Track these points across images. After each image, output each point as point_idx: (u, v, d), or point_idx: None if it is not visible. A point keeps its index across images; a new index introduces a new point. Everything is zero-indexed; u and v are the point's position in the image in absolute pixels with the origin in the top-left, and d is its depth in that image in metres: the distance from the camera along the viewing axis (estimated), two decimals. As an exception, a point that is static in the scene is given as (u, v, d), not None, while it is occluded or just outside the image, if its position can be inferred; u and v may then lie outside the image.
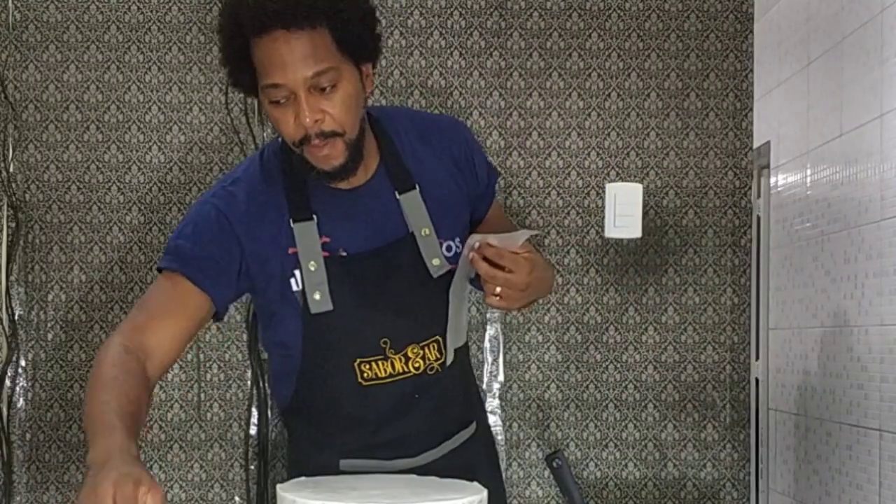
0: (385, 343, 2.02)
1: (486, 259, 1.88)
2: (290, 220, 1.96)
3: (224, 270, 1.95)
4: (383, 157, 2.03)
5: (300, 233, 1.96)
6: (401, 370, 2.05)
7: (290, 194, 1.98)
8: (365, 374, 2.03)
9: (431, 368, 2.08)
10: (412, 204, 2.02)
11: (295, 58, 1.83)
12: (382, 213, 2.00)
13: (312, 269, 1.95)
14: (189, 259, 1.94)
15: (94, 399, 1.77)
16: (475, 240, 1.92)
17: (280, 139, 1.99)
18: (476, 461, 2.16)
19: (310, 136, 1.86)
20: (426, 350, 2.06)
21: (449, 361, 2.06)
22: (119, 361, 1.82)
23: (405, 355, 2.05)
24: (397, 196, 2.02)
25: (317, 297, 1.96)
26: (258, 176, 2.00)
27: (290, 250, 1.96)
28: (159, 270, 1.98)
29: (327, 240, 1.98)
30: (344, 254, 1.98)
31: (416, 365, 2.06)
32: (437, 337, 2.05)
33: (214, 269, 1.94)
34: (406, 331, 2.02)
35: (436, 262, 2.01)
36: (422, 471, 2.03)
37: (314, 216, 1.97)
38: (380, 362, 2.03)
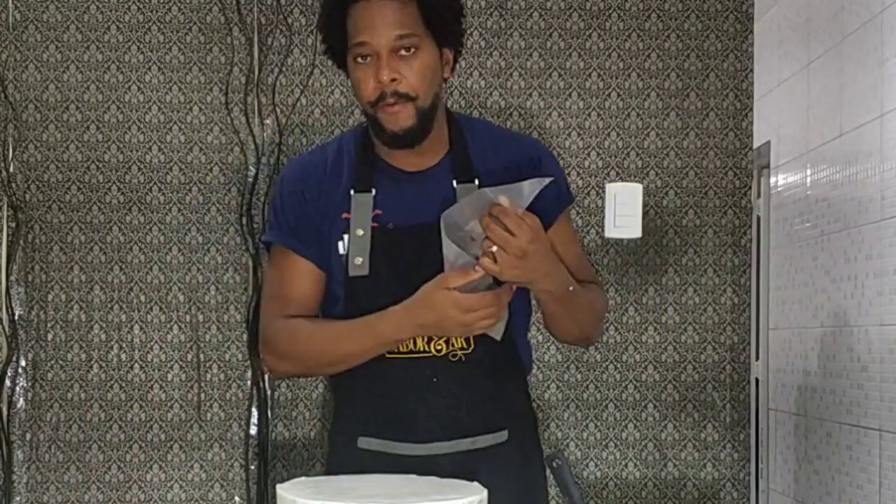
0: None
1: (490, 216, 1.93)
2: (352, 190, 2.12)
3: (306, 228, 2.15)
4: (452, 148, 2.16)
5: (357, 201, 2.11)
6: (422, 348, 2.10)
7: (357, 168, 2.15)
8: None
9: (454, 355, 2.11)
10: (467, 194, 2.09)
11: (384, 21, 2.03)
12: (437, 198, 2.09)
13: (359, 234, 2.10)
14: (282, 229, 2.17)
15: (326, 335, 2.11)
16: (485, 196, 1.95)
17: (359, 127, 2.20)
18: (498, 474, 2.13)
19: (385, 94, 2.02)
20: None
21: (499, 334, 2.07)
22: (296, 320, 2.13)
23: (428, 336, 2.09)
24: (455, 185, 2.11)
25: (357, 261, 2.09)
26: (334, 150, 2.20)
27: (344, 215, 2.11)
28: (266, 246, 2.21)
29: (379, 212, 2.11)
30: (391, 226, 2.09)
31: (438, 347, 2.11)
32: None
33: (302, 230, 2.15)
34: None
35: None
36: (432, 464, 2.05)
37: (373, 189, 2.12)
38: None
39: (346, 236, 2.12)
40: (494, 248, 1.94)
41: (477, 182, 2.12)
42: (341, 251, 2.12)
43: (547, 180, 1.98)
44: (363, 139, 2.19)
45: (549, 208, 2.18)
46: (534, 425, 2.31)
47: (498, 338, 2.10)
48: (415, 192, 2.12)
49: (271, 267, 2.23)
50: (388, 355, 2.09)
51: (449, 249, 2.03)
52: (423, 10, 2.06)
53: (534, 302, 2.15)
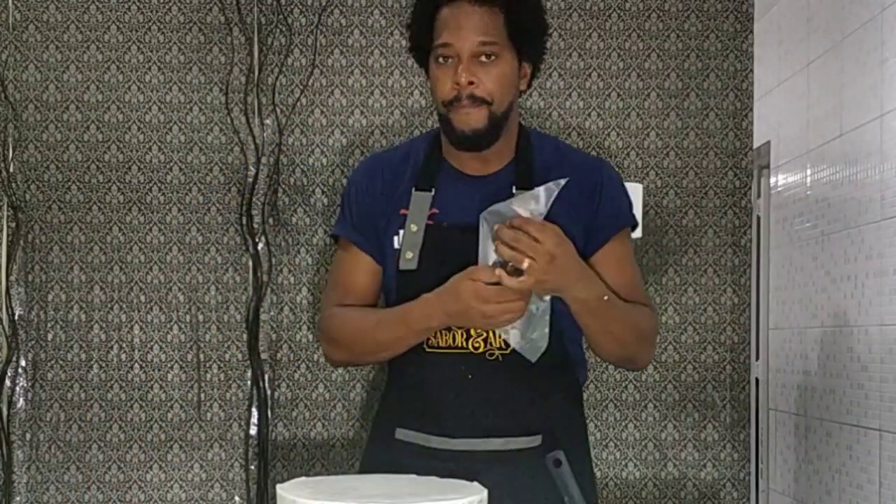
0: None
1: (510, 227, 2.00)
2: (414, 188, 2.22)
3: (369, 224, 2.27)
4: (517, 156, 2.24)
5: (416, 199, 2.21)
6: (460, 344, 2.16)
7: (423, 168, 2.24)
8: (429, 341, 2.17)
9: (491, 354, 2.16)
10: None
11: (469, 25, 2.12)
12: (494, 201, 2.13)
13: (413, 230, 2.19)
14: (346, 223, 2.30)
15: (370, 321, 2.21)
16: (506, 209, 2.00)
17: (432, 131, 2.32)
18: (531, 478, 2.14)
19: (461, 96, 2.11)
20: (490, 334, 2.15)
21: (531, 354, 2.11)
22: (347, 308, 2.26)
23: (468, 332, 2.16)
24: (514, 190, 2.17)
25: (408, 255, 2.18)
26: (405, 150, 2.33)
27: (402, 211, 2.22)
28: (333, 238, 2.38)
29: (436, 211, 2.21)
30: (445, 224, 2.19)
31: (476, 345, 2.16)
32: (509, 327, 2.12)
33: (364, 225, 2.27)
34: None
35: None
36: (464, 460, 2.08)
37: (433, 188, 2.21)
38: (444, 332, 2.16)
39: (401, 231, 2.21)
40: (525, 264, 1.96)
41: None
42: (396, 245, 2.21)
43: (563, 181, 2.02)
44: (433, 142, 2.28)
45: (605, 226, 2.24)
46: (581, 437, 2.32)
47: (531, 357, 2.11)
48: (474, 194, 2.18)
49: (335, 258, 2.38)
50: (427, 349, 2.17)
51: (485, 249, 2.07)
52: (508, 22, 2.14)
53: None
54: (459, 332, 2.15)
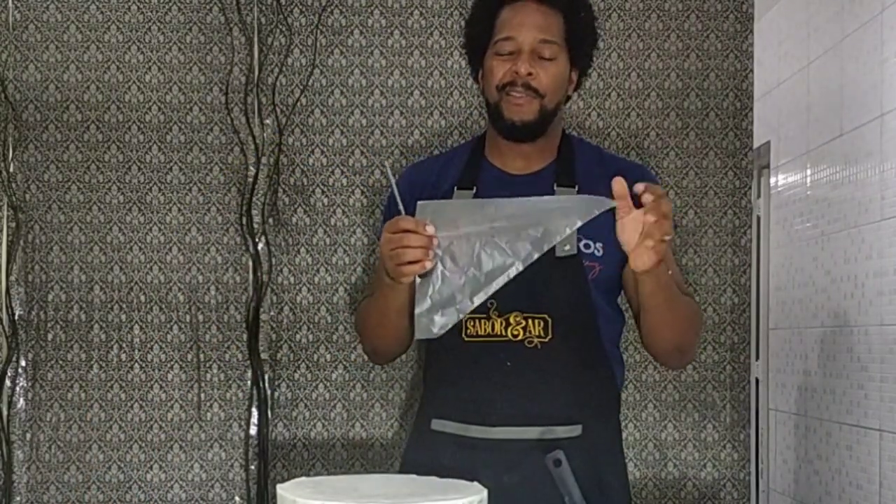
0: (491, 304, 2.16)
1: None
2: (455, 187, 2.28)
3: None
4: (559, 157, 2.30)
5: (457, 196, 2.27)
6: (499, 332, 2.19)
7: (466, 169, 2.31)
8: (468, 330, 2.20)
9: (530, 342, 2.19)
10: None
11: (533, 22, 2.21)
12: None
13: None
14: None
15: (368, 300, 2.31)
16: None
17: (476, 136, 2.39)
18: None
19: (516, 82, 2.19)
20: (529, 322, 2.19)
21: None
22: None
23: (507, 320, 2.19)
24: (555, 188, 2.24)
25: None
26: (450, 153, 2.43)
27: None
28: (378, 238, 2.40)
29: None
30: None
31: (515, 332, 2.19)
32: (545, 315, 2.17)
33: None
34: (514, 297, 2.14)
35: (566, 247, 2.14)
36: (503, 449, 2.12)
37: (475, 187, 2.27)
38: (482, 321, 2.19)
39: None
40: (661, 233, 1.98)
41: (577, 189, 2.23)
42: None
43: (611, 204, 2.03)
44: (475, 145, 2.36)
45: None
46: (616, 436, 2.34)
47: (417, 334, 2.08)
48: (515, 191, 2.20)
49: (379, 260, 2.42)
50: (466, 338, 2.18)
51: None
52: (567, 25, 2.24)
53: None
54: (499, 320, 2.18)
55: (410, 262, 2.03)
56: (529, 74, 2.19)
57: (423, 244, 2.03)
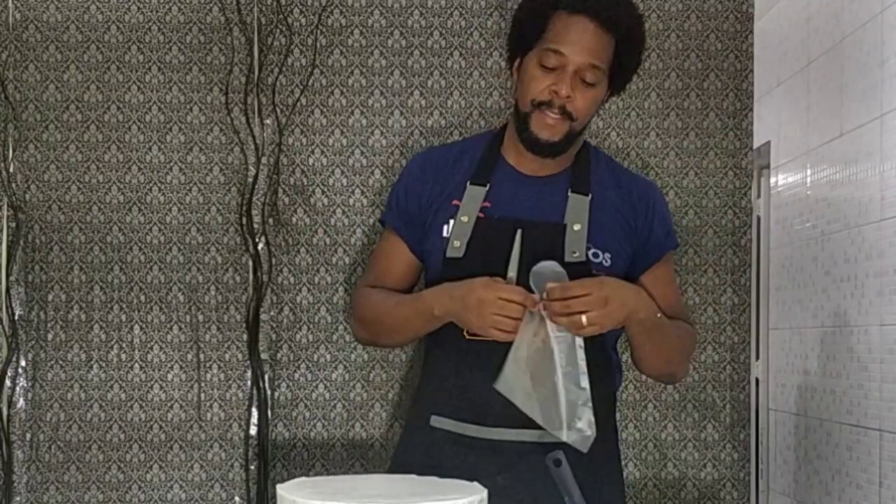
0: None
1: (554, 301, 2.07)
2: (469, 182, 2.28)
3: (415, 214, 2.34)
4: (575, 163, 2.31)
5: (470, 192, 2.27)
6: None
7: (481, 164, 2.31)
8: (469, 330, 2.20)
9: None
10: (578, 203, 2.24)
11: (586, 42, 2.17)
12: (548, 199, 2.24)
13: (464, 220, 2.25)
14: (393, 211, 2.39)
15: (389, 303, 2.30)
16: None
17: (490, 131, 2.39)
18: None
19: (553, 103, 2.18)
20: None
21: (582, 445, 2.15)
22: (375, 288, 2.37)
23: None
24: (569, 193, 2.26)
25: (456, 244, 2.24)
26: (460, 146, 2.40)
27: (454, 202, 2.28)
28: (381, 223, 2.47)
29: (488, 204, 2.26)
30: (496, 217, 2.25)
31: None
32: None
33: (409, 214, 2.34)
34: None
35: (575, 253, 2.16)
36: (498, 450, 2.12)
37: (488, 184, 2.28)
38: None
39: (451, 221, 2.27)
40: (584, 320, 2.05)
41: (590, 197, 2.25)
42: (445, 234, 2.27)
43: (564, 275, 2.10)
44: (492, 139, 2.35)
45: (654, 250, 2.34)
46: (613, 440, 2.36)
47: (582, 449, 2.13)
48: (528, 192, 2.25)
49: (378, 242, 2.50)
50: (467, 337, 2.19)
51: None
52: (617, 51, 2.22)
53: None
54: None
55: (504, 330, 2.09)
56: (568, 97, 2.19)
57: (520, 316, 2.07)
